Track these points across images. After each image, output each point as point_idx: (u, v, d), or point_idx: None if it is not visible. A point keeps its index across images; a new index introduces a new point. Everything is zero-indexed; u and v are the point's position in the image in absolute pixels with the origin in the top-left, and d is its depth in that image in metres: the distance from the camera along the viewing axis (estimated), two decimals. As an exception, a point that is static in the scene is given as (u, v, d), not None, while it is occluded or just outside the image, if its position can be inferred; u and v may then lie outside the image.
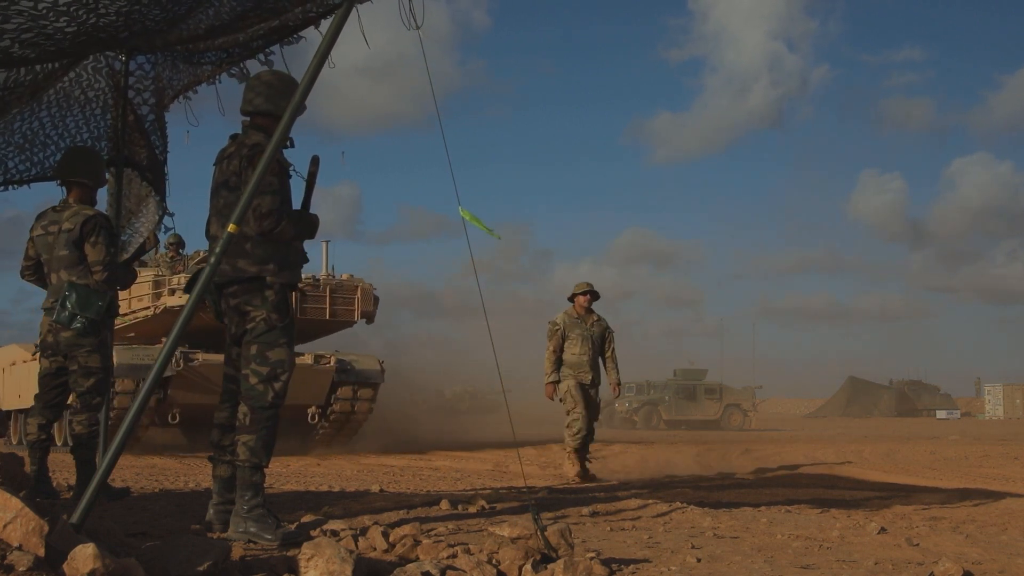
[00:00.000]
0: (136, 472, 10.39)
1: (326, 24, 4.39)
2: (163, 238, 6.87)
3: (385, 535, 4.17)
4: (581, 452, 9.70)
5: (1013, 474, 11.85)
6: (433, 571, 3.46)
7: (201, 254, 15.05)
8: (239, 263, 4.63)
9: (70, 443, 11.65)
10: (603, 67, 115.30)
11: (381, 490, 7.74)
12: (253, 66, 5.51)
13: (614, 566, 3.88)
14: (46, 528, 2.92)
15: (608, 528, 5.13)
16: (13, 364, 16.53)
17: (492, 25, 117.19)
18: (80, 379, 6.08)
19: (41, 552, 2.86)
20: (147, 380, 3.89)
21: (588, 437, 9.75)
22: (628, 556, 4.17)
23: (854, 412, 59.66)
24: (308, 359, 14.40)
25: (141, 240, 6.81)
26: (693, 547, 4.44)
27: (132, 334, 15.00)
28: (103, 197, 6.51)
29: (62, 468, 9.59)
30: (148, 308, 14.72)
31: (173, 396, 13.90)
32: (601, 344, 9.99)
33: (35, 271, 6.33)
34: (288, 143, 4.69)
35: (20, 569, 2.73)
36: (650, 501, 6.42)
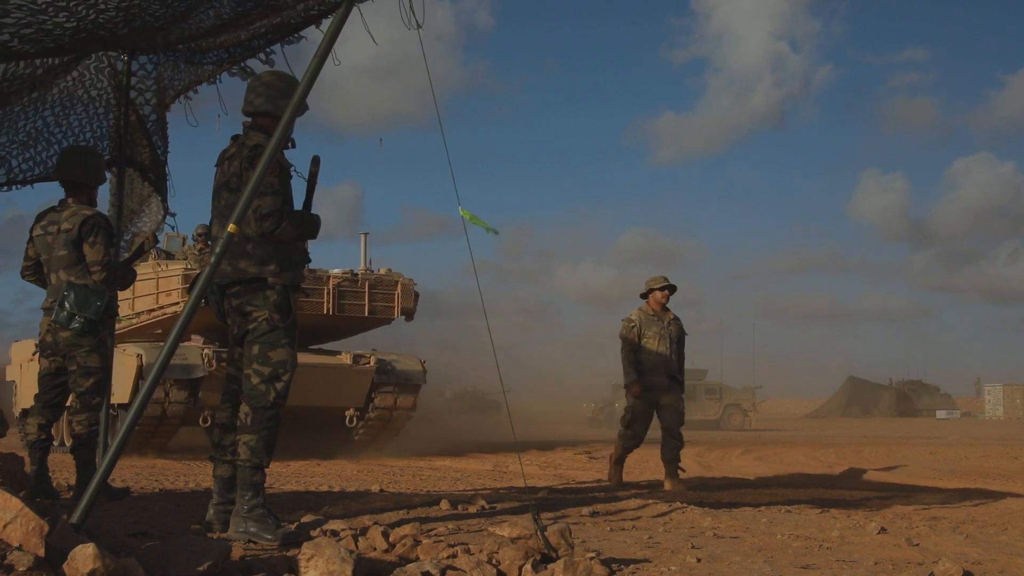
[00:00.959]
0: (136, 472, 10.39)
1: (327, 23, 4.39)
2: (161, 237, 6.86)
3: (385, 535, 4.17)
4: (622, 461, 9.06)
5: (1013, 474, 11.85)
6: (433, 571, 3.46)
7: None
8: (240, 264, 4.63)
9: (67, 443, 11.58)
10: (606, 67, 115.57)
11: (381, 490, 7.74)
12: (254, 65, 5.51)
13: (614, 566, 3.88)
14: (46, 528, 2.92)
15: (608, 528, 5.13)
16: (31, 360, 15.92)
17: (495, 25, 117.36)
18: (79, 379, 6.08)
19: (41, 552, 2.86)
20: (147, 380, 3.88)
21: (633, 449, 9.02)
22: (628, 556, 4.17)
23: (854, 412, 59.66)
24: (346, 359, 13.90)
25: (142, 240, 6.80)
26: (693, 547, 4.44)
27: (160, 331, 14.28)
28: (105, 197, 6.52)
29: (62, 468, 9.59)
30: (178, 304, 13.96)
31: (204, 397, 13.22)
32: (679, 345, 9.11)
33: (35, 271, 6.33)
34: (289, 144, 4.70)
35: (20, 569, 2.73)
36: (650, 501, 6.42)
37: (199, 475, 9.89)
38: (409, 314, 14.77)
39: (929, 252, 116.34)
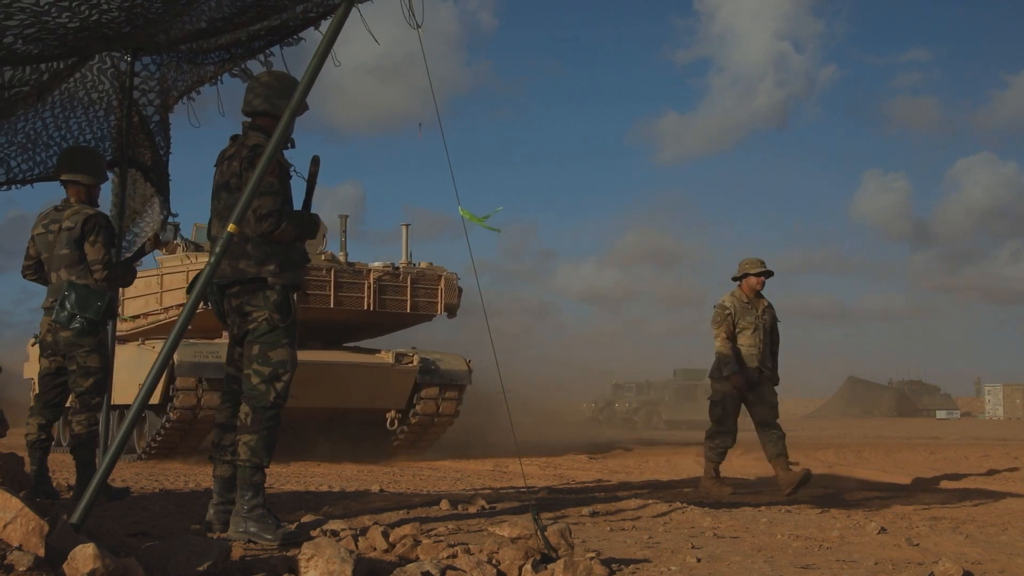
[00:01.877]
0: (136, 472, 10.39)
1: (326, 25, 4.39)
2: (162, 237, 6.85)
3: (385, 535, 4.17)
4: (718, 470, 8.32)
5: (1013, 474, 11.85)
6: (433, 571, 3.46)
7: None
8: (240, 264, 4.64)
9: (64, 443, 11.47)
10: (609, 68, 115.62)
11: (381, 490, 7.74)
12: (255, 67, 5.52)
13: (614, 566, 3.88)
14: (46, 528, 2.92)
15: (608, 528, 5.13)
16: None
17: (498, 26, 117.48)
18: (79, 379, 6.08)
19: (41, 552, 2.86)
20: (146, 381, 3.87)
21: (730, 448, 8.38)
22: (628, 556, 4.17)
23: (854, 412, 59.66)
24: (388, 358, 13.24)
25: (144, 240, 6.81)
26: (693, 547, 4.44)
27: (189, 327, 14.02)
28: (107, 197, 6.52)
29: (62, 468, 9.59)
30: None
31: None
32: (774, 334, 8.40)
33: (35, 270, 6.34)
34: (289, 144, 4.70)
35: (20, 569, 2.73)
36: (650, 501, 6.42)
37: (199, 475, 9.89)
38: (452, 310, 14.18)
39: (931, 252, 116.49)
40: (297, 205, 4.79)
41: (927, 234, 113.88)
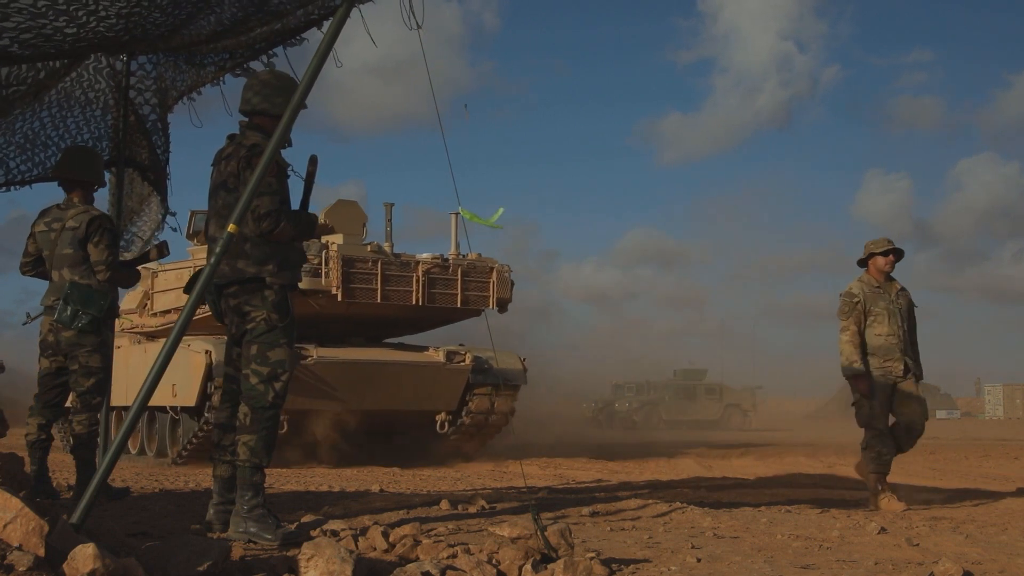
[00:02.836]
0: (136, 472, 10.40)
1: (327, 24, 4.38)
2: (159, 237, 6.85)
3: (385, 535, 4.17)
4: (884, 478, 7.27)
5: (1013, 474, 11.86)
6: (433, 571, 3.46)
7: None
8: (238, 264, 4.63)
9: (64, 444, 11.32)
10: (612, 68, 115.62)
11: (381, 490, 7.74)
12: (257, 68, 5.51)
13: (614, 566, 3.88)
14: (46, 528, 2.92)
15: (608, 528, 5.13)
16: None
17: (502, 26, 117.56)
18: (81, 379, 6.08)
19: (41, 552, 2.87)
20: (147, 381, 3.87)
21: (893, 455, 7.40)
22: (628, 556, 4.17)
23: (854, 412, 59.57)
24: (439, 356, 12.55)
25: (142, 240, 6.81)
26: (693, 547, 4.44)
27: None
28: (103, 197, 6.52)
29: (62, 468, 9.59)
30: None
31: None
32: (912, 320, 7.48)
33: (34, 266, 6.33)
34: (286, 143, 4.70)
35: (20, 569, 2.73)
36: (650, 501, 6.42)
37: (199, 475, 9.89)
38: (503, 305, 13.32)
39: (932, 252, 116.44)
40: (295, 205, 4.79)
41: (929, 234, 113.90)
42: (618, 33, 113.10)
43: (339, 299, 12.11)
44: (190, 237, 13.70)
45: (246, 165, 4.60)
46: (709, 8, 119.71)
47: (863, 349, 7.23)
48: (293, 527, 4.60)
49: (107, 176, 6.49)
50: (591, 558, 3.72)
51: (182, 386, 11.43)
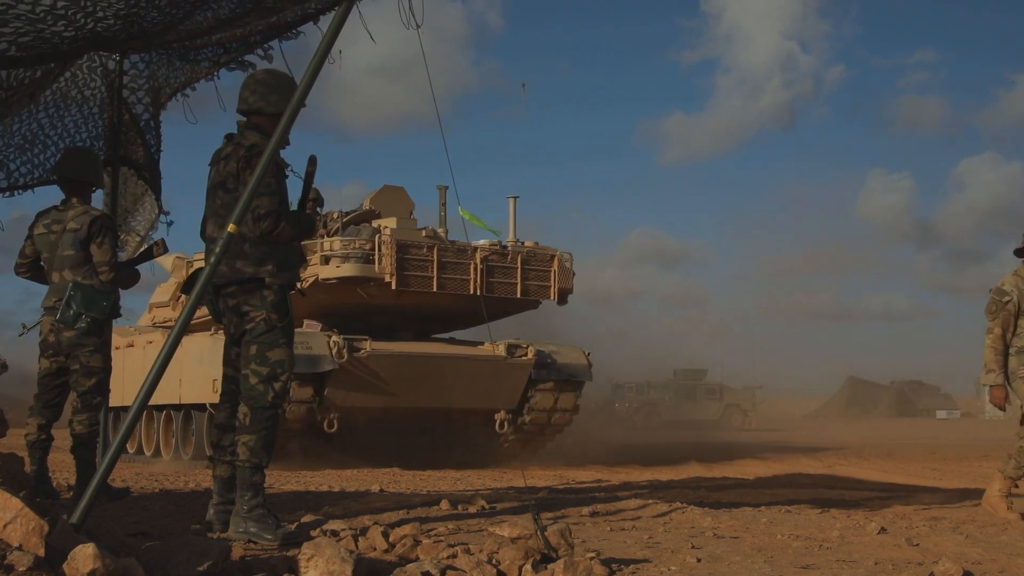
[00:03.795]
0: (136, 472, 10.40)
1: (324, 20, 4.38)
2: (154, 236, 6.86)
3: (385, 535, 4.17)
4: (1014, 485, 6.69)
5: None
6: (433, 571, 3.46)
7: (335, 215, 12.14)
8: (237, 264, 4.63)
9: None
10: (616, 68, 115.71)
11: (381, 490, 7.74)
12: (252, 61, 5.51)
13: (614, 566, 3.88)
14: (46, 528, 2.92)
15: (608, 528, 5.13)
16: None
17: (506, 26, 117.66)
18: (82, 379, 6.08)
19: (41, 552, 2.86)
20: (147, 380, 3.87)
21: None
22: (628, 556, 4.17)
23: (854, 412, 59.65)
24: (500, 350, 11.65)
25: (139, 238, 6.81)
26: (693, 547, 4.44)
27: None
28: (98, 196, 6.52)
29: (62, 468, 9.59)
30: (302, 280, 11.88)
31: (331, 397, 10.91)
32: None
33: (30, 268, 6.32)
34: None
35: (20, 569, 2.73)
36: (650, 501, 6.42)
37: (199, 475, 9.88)
38: (564, 296, 12.61)
39: (934, 252, 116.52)
40: (293, 204, 4.80)
41: (931, 234, 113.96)
42: (621, 33, 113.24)
43: (392, 287, 11.33)
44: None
45: (245, 165, 4.60)
46: (712, 8, 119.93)
47: (1005, 353, 6.50)
48: (293, 527, 4.60)
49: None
50: (591, 558, 3.72)
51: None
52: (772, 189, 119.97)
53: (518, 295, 12.17)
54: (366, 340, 11.02)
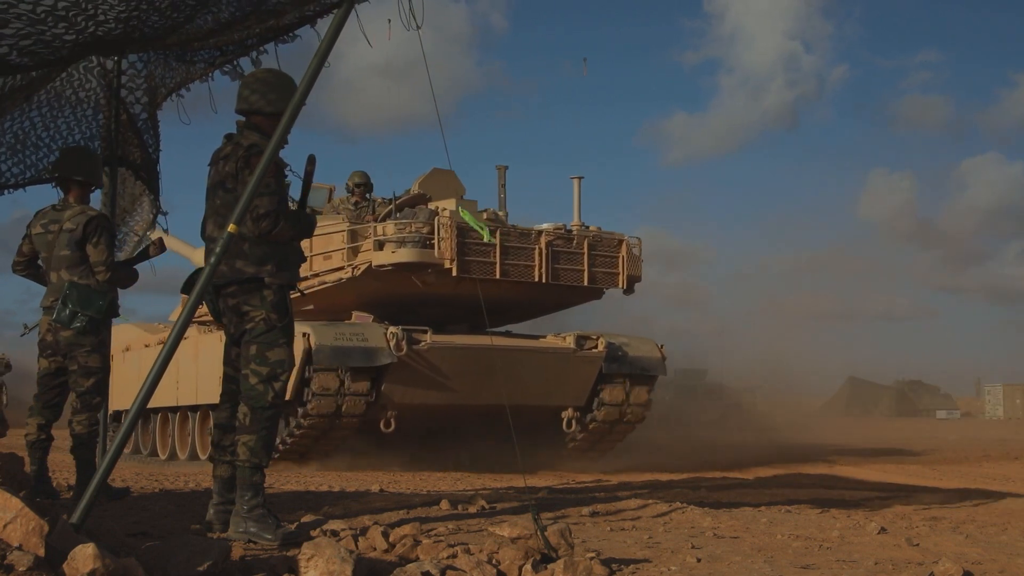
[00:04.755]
0: (136, 472, 10.40)
1: (322, 23, 4.38)
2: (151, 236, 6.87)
3: (385, 535, 4.17)
4: None
5: (1013, 474, 11.86)
6: (433, 571, 3.46)
7: (379, 200, 11.46)
8: (237, 264, 4.63)
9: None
10: (619, 69, 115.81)
11: (381, 490, 7.74)
12: (246, 65, 5.51)
13: (614, 566, 3.88)
14: (46, 528, 2.92)
15: (608, 528, 5.13)
16: (127, 350, 13.30)
17: (509, 27, 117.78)
18: (80, 379, 6.08)
19: (41, 552, 2.86)
20: (147, 379, 3.86)
21: None
22: (628, 556, 4.17)
23: (854, 412, 59.62)
24: (568, 342, 10.96)
25: (136, 238, 6.81)
26: (693, 547, 4.44)
27: (311, 307, 11.01)
28: (96, 196, 6.52)
29: (62, 468, 9.59)
30: (342, 269, 10.83)
31: (389, 393, 10.24)
32: None
33: (27, 267, 6.33)
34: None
35: (20, 569, 2.73)
36: (650, 501, 6.42)
37: (199, 475, 9.88)
38: (631, 284, 11.80)
39: (936, 252, 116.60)
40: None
41: (932, 234, 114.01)
42: (624, 34, 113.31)
43: (452, 273, 10.58)
44: None
45: (244, 165, 4.60)
46: (715, 8, 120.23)
47: None
48: (293, 527, 4.60)
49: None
50: (591, 558, 3.72)
51: None
52: (774, 189, 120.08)
53: (584, 282, 11.37)
54: (426, 331, 10.36)
